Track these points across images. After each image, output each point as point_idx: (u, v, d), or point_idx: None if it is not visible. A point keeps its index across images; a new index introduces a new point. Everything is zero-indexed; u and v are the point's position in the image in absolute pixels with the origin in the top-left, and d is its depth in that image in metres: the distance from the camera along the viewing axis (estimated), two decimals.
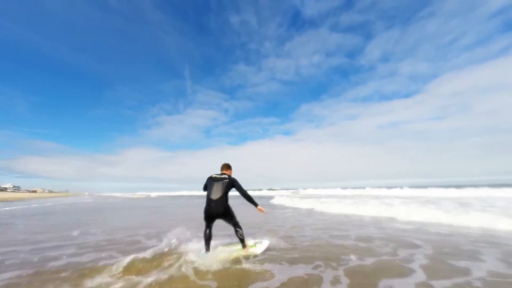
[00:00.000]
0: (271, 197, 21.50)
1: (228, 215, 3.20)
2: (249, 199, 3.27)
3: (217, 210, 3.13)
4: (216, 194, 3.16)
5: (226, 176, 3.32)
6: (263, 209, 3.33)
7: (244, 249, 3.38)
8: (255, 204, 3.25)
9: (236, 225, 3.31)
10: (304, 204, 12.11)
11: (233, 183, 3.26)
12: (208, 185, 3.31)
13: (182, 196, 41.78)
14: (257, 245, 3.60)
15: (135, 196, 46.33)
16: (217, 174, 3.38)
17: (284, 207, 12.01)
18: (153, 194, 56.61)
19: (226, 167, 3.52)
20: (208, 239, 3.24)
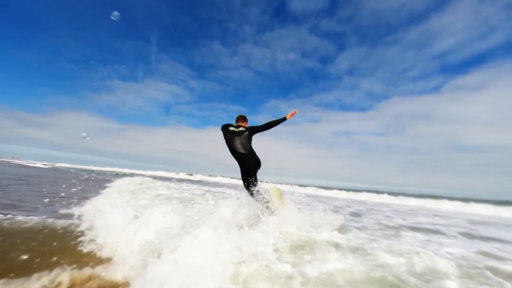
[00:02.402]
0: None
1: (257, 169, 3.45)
2: (277, 122, 3.50)
3: (252, 164, 3.40)
4: (243, 149, 3.38)
5: (244, 129, 3.46)
6: (292, 112, 3.56)
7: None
8: (284, 118, 3.52)
9: (256, 180, 3.43)
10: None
11: (253, 131, 3.46)
12: (229, 140, 3.44)
13: (98, 171, 35.37)
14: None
15: (32, 164, 37.42)
16: (234, 127, 3.47)
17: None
18: (61, 165, 47.38)
19: (243, 119, 3.65)
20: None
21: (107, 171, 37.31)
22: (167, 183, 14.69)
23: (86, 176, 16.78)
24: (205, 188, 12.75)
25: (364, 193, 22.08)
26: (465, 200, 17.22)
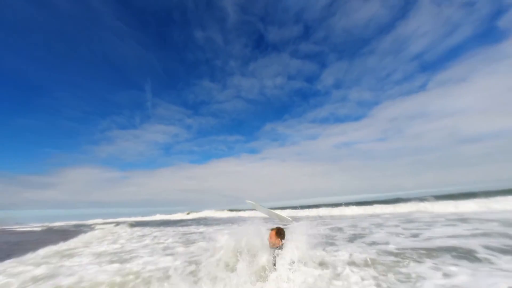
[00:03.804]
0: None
1: None
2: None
3: None
4: None
5: None
6: None
7: None
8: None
9: None
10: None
11: None
12: None
13: (91, 224, 33.88)
14: None
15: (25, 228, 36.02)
16: None
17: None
18: (58, 224, 45.66)
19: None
20: None
21: (98, 223, 35.65)
22: (147, 229, 13.49)
23: (66, 231, 15.57)
24: (193, 228, 11.61)
25: (377, 205, 20.28)
26: (484, 194, 15.59)
